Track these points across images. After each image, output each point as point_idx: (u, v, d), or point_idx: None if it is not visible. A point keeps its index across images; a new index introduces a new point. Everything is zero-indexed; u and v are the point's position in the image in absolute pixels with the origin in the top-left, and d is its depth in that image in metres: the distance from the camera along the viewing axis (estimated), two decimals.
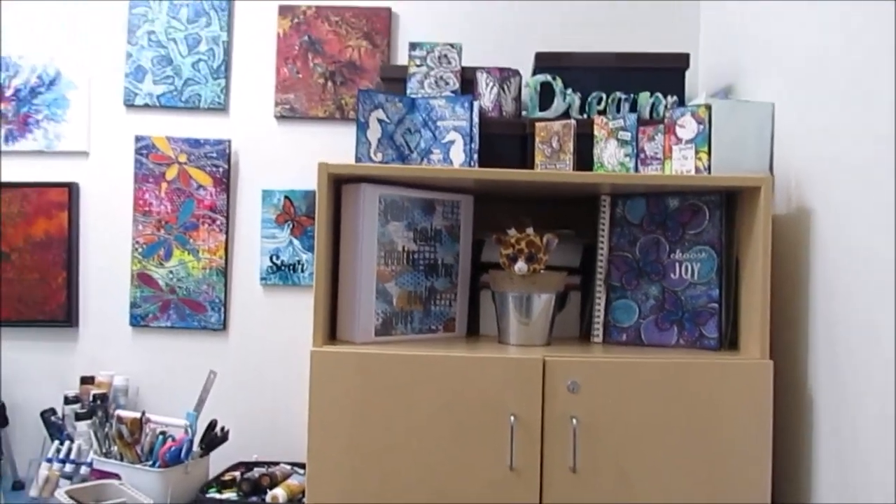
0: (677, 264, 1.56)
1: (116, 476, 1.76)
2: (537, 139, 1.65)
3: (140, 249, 2.13)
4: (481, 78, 1.77)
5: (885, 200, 1.17)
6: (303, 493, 1.74)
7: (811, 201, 1.42)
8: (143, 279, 2.13)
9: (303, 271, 2.10)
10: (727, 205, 1.53)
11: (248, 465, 1.89)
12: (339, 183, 1.50)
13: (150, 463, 1.78)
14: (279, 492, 1.69)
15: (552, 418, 1.37)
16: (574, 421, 1.36)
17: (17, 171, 2.15)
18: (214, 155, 2.12)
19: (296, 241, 2.10)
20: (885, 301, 1.15)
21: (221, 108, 2.13)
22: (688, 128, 1.48)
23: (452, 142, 1.62)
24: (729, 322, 1.52)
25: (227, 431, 1.88)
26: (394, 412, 1.38)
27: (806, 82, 1.45)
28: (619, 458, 1.37)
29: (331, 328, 1.51)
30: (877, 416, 1.17)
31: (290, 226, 2.10)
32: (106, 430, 1.87)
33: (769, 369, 1.39)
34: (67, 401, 2.02)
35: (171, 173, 2.13)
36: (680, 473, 1.37)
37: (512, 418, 1.36)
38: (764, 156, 1.51)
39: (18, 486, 1.95)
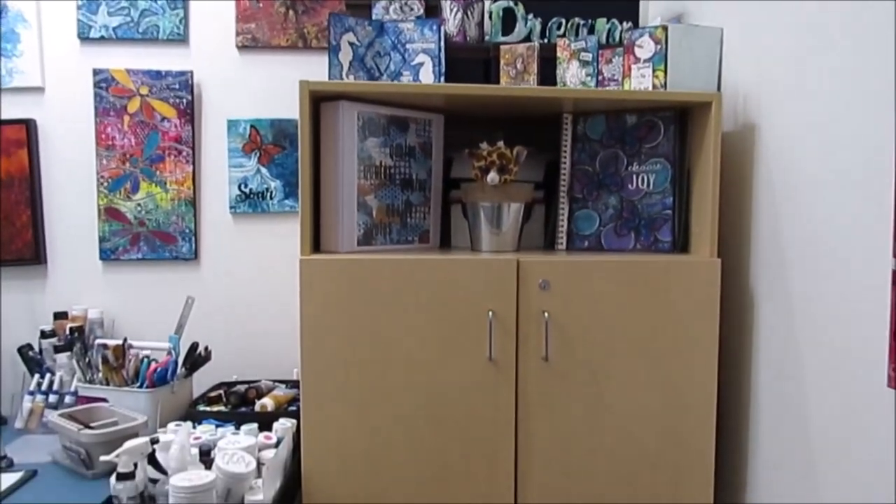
0: (634, 176, 1.68)
1: (104, 400, 1.82)
2: (502, 61, 1.73)
3: (106, 184, 2.14)
4: (445, 4, 1.83)
5: (820, 115, 1.30)
6: (289, 402, 1.83)
7: (756, 118, 1.55)
8: (110, 213, 2.15)
9: (272, 199, 2.15)
10: (680, 121, 1.65)
11: (230, 385, 1.96)
12: (316, 102, 1.56)
13: (138, 385, 1.84)
14: (267, 401, 1.78)
15: (526, 313, 1.50)
16: (546, 315, 1.49)
17: None
18: (177, 86, 2.13)
19: (263, 170, 2.15)
20: (820, 205, 1.30)
21: (181, 38, 2.13)
22: (646, 48, 1.59)
23: (421, 64, 1.69)
24: (681, 227, 1.66)
25: (210, 351, 1.95)
26: (380, 313, 1.48)
27: (752, 9, 1.57)
28: (586, 348, 1.51)
29: (314, 242, 1.58)
30: (809, 303, 1.32)
31: (258, 154, 2.14)
32: (88, 358, 1.91)
33: (717, 267, 1.54)
34: (44, 335, 2.04)
35: (134, 106, 2.13)
36: (639, 359, 1.52)
37: (490, 314, 1.48)
38: (713, 78, 1.63)
39: (1, 421, 1.97)
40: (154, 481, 1.39)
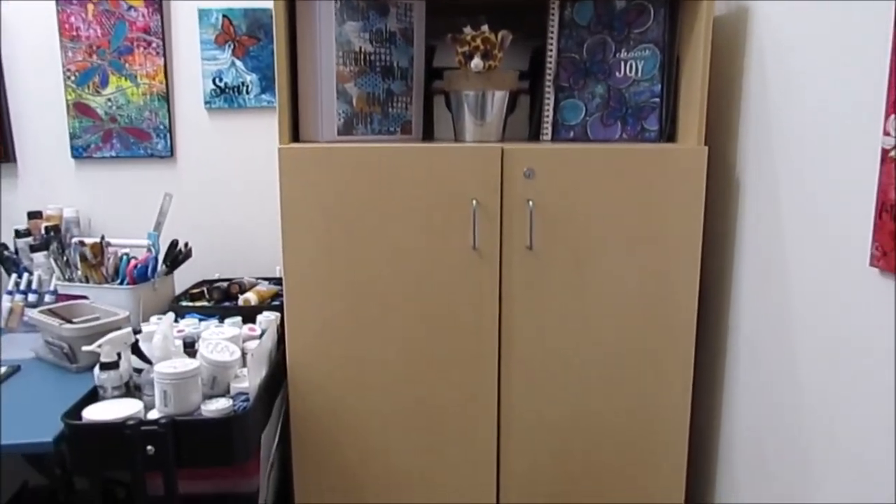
0: (622, 63, 1.63)
1: (84, 298, 1.80)
2: None
3: (73, 78, 2.06)
4: None
5: None
6: (272, 297, 1.83)
7: (749, 1, 1.49)
8: (80, 109, 2.07)
9: (248, 93, 2.08)
10: (671, 4, 1.59)
11: (212, 282, 1.95)
12: None
13: (118, 282, 1.82)
14: (250, 296, 1.78)
15: (510, 202, 1.48)
16: (530, 204, 1.47)
17: None
18: None
19: (238, 63, 2.06)
20: (810, 89, 1.26)
21: None
22: None
23: None
24: (668, 116, 1.63)
25: (191, 248, 1.93)
26: (362, 203, 1.46)
27: None
28: (570, 237, 1.50)
29: (293, 133, 1.54)
30: (795, 189, 1.31)
31: (232, 46, 2.05)
32: (66, 257, 1.89)
33: (703, 155, 1.52)
34: (18, 234, 2.01)
35: None
36: (623, 247, 1.52)
37: (474, 202, 1.46)
38: None
39: None
40: (139, 371, 1.39)
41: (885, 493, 1.04)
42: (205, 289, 1.87)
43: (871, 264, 1.03)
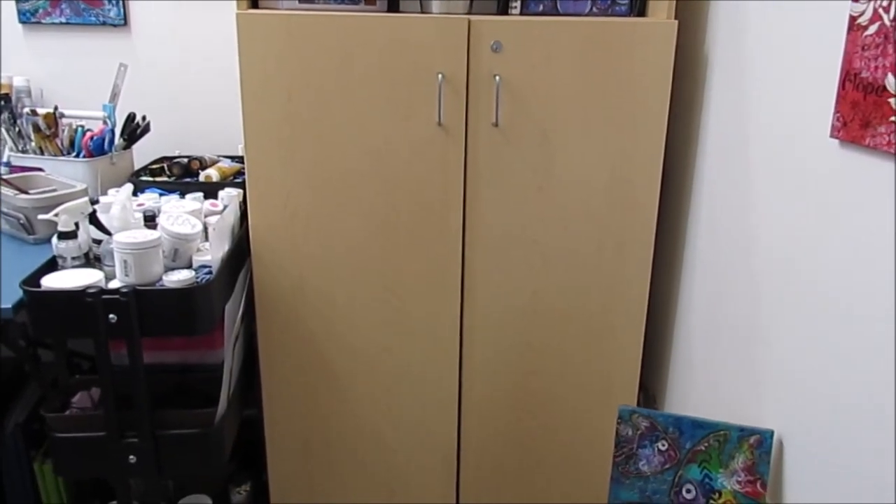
0: None
1: (39, 170, 1.76)
2: None
3: None
4: None
5: None
6: (234, 174, 1.80)
7: None
8: None
9: None
10: None
11: (171, 159, 1.90)
12: None
13: (74, 155, 1.77)
14: (212, 172, 1.75)
15: (476, 77, 1.44)
16: (497, 79, 1.44)
17: None
18: None
19: None
20: None
21: None
22: None
23: None
24: None
25: (149, 122, 1.87)
26: (325, 75, 1.41)
27: None
28: (537, 113, 1.48)
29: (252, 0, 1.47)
30: (761, 63, 1.30)
31: None
32: (18, 127, 1.82)
33: (673, 29, 1.49)
34: None
35: None
36: (589, 124, 1.51)
37: (439, 77, 1.42)
38: None
39: None
40: (98, 242, 1.38)
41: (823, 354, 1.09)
42: (165, 165, 1.83)
43: (832, 135, 1.03)
